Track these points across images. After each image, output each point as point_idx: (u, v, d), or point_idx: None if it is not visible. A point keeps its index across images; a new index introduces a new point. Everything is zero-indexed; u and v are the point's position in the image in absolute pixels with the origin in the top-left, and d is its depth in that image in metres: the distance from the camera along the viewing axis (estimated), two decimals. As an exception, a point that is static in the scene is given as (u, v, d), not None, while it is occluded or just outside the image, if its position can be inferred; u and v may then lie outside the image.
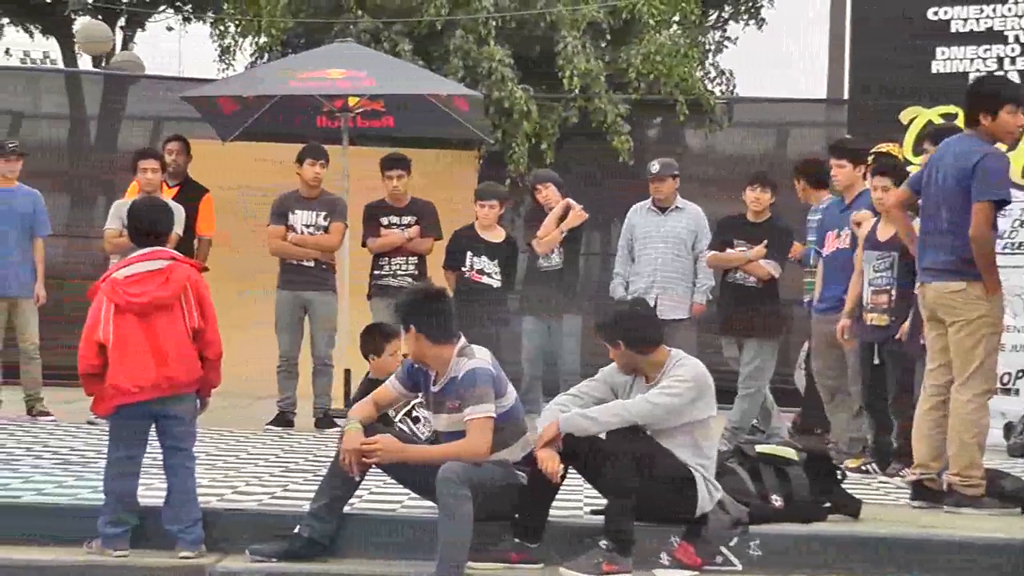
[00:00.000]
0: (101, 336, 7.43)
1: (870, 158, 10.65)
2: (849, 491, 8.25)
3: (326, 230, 11.86)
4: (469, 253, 11.79)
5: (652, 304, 11.32)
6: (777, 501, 7.92)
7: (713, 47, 22.48)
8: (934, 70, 13.03)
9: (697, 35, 19.75)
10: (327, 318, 11.96)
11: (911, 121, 12.90)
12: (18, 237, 12.21)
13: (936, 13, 13.04)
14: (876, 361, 9.85)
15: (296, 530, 7.43)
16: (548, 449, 7.32)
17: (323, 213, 11.88)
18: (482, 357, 7.41)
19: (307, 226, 11.87)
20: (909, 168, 11.04)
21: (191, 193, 12.53)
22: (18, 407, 12.16)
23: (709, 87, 18.55)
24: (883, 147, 10.48)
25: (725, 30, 23.40)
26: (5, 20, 25.99)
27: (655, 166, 11.73)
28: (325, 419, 11.84)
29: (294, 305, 11.89)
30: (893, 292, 9.70)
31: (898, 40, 13.14)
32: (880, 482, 9.58)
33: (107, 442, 7.65)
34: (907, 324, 9.37)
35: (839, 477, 8.25)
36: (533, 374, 11.79)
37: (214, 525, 7.58)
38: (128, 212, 8.05)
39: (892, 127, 12.57)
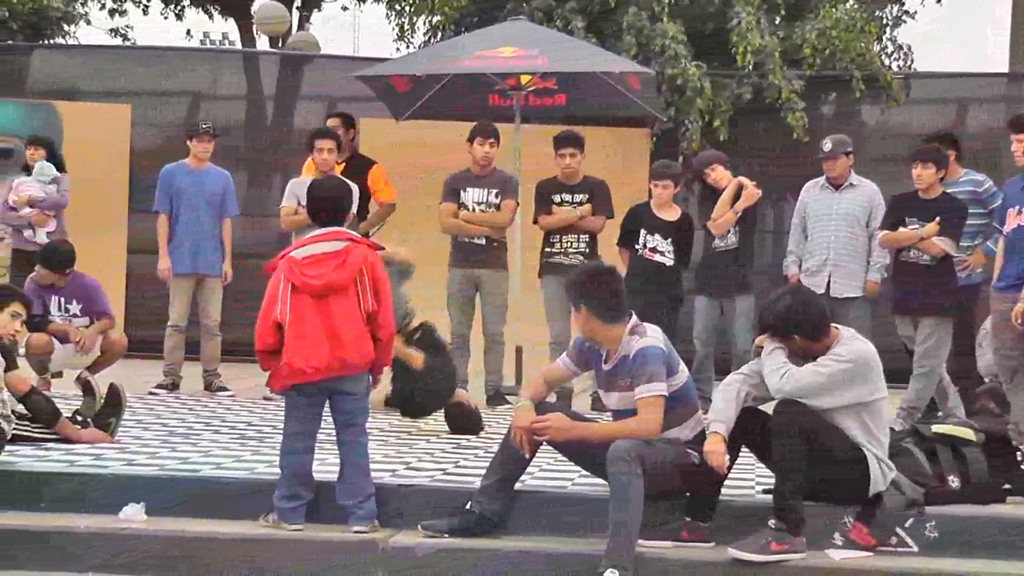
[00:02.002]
0: (278, 315, 7.53)
1: None
2: (1029, 473, 8.10)
3: (497, 208, 11.91)
4: (643, 231, 11.72)
5: (825, 282, 11.24)
6: (954, 482, 7.80)
7: (890, 21, 22.08)
8: (1124, 39, 12.66)
9: (874, 9, 19.40)
10: (498, 295, 12.00)
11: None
12: (208, 217, 12.45)
13: None
14: None
15: (467, 506, 7.49)
16: (716, 439, 7.29)
17: (495, 191, 11.92)
18: (653, 336, 7.38)
19: (479, 204, 11.92)
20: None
21: (358, 167, 12.65)
22: (197, 383, 12.40)
23: (886, 62, 18.22)
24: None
25: (903, 3, 22.97)
26: (186, 2, 26.50)
27: (827, 144, 11.59)
28: (496, 396, 11.91)
29: (465, 282, 11.95)
30: None
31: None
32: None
33: (283, 418, 7.78)
34: None
35: (1019, 459, 8.10)
36: (705, 353, 11.72)
37: (387, 500, 7.68)
38: (308, 191, 8.13)
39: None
